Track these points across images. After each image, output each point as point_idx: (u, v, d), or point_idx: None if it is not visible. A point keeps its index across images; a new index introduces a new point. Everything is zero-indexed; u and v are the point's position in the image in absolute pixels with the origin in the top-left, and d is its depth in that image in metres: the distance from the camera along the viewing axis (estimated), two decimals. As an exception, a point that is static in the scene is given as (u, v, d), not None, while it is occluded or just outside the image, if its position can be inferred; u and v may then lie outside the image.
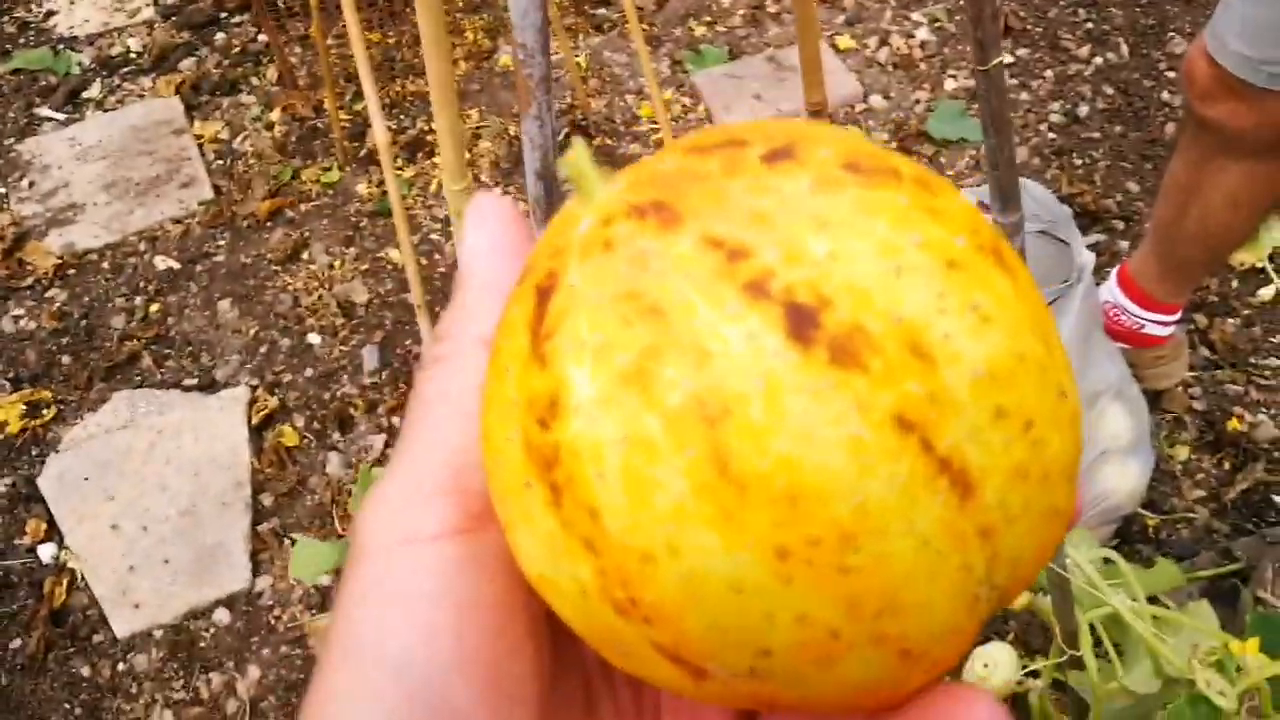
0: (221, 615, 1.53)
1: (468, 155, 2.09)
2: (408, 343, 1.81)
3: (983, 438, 0.21)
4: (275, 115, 2.18)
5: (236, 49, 2.31)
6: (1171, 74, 2.18)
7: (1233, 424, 1.67)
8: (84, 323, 1.87)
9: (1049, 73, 2.21)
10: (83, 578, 1.56)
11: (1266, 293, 1.82)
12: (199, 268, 1.95)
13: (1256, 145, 1.31)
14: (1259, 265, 1.85)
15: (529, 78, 0.45)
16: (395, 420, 1.72)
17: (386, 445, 1.69)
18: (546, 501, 0.22)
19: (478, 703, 0.24)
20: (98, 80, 2.26)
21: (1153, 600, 1.37)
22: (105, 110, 2.20)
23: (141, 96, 2.23)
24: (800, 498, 0.20)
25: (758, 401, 0.20)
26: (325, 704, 0.25)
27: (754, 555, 0.21)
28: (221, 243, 1.98)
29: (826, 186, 0.22)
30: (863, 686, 0.23)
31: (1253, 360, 1.76)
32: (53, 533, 1.61)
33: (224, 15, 2.39)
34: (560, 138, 2.08)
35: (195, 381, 1.79)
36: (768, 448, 0.20)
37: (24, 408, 1.75)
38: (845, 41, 2.27)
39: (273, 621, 1.53)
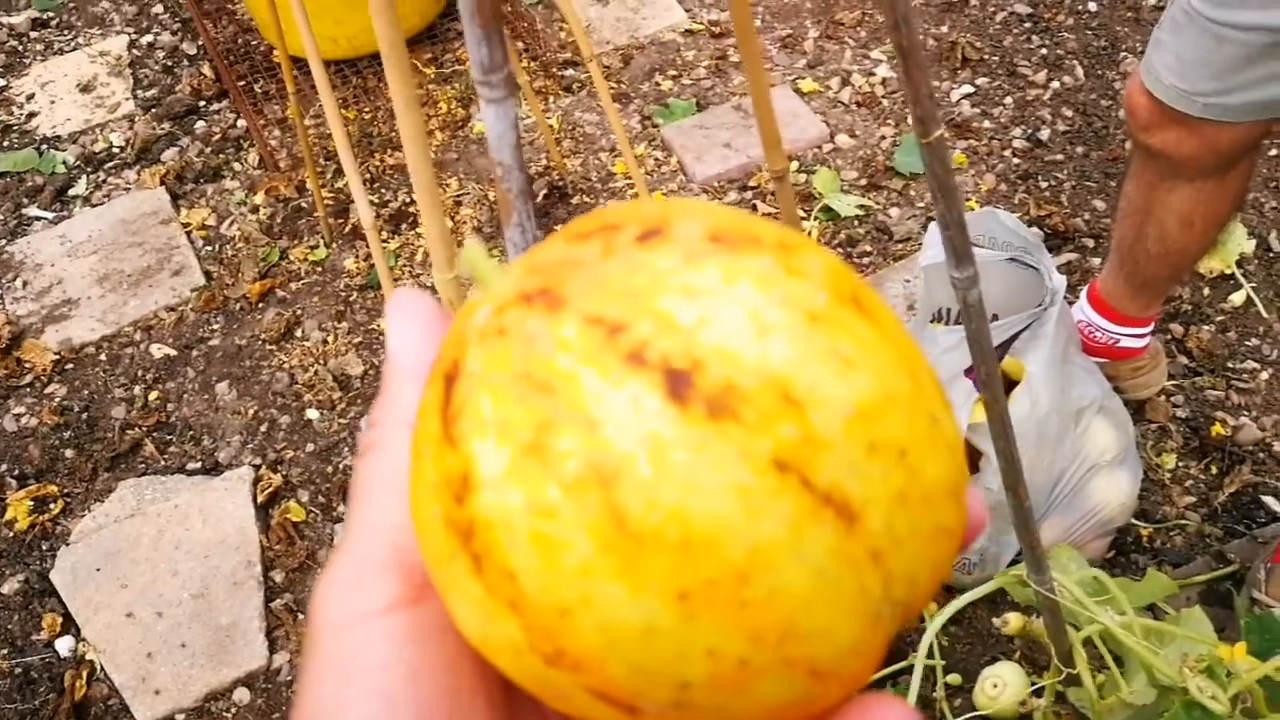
0: (242, 695, 1.56)
1: (450, 223, 2.14)
2: (405, 411, 1.84)
3: (860, 470, 0.23)
4: (259, 198, 2.22)
5: (217, 136, 2.36)
6: (1128, 92, 2.23)
7: (1216, 429, 1.71)
8: (85, 415, 1.90)
9: (1009, 99, 2.26)
10: (102, 668, 1.58)
11: (1237, 298, 1.87)
12: (195, 353, 1.98)
13: (1202, 169, 1.36)
14: (1228, 272, 1.90)
15: (508, 191, 0.49)
16: (398, 489, 1.74)
17: (392, 514, 1.71)
18: (470, 570, 0.24)
19: None
20: (83, 177, 2.30)
21: (1150, 609, 1.40)
22: (93, 205, 2.24)
23: (127, 189, 2.27)
24: (693, 543, 0.22)
25: (644, 459, 0.22)
26: None
27: (658, 600, 0.22)
28: (216, 326, 2.02)
29: (693, 259, 0.24)
30: (781, 707, 0.24)
31: (1230, 365, 1.80)
32: (69, 625, 1.64)
33: (203, 104, 2.44)
34: (540, 198, 2.13)
35: (199, 465, 1.82)
36: (658, 501, 0.22)
37: (31, 504, 1.78)
38: (808, 85, 2.33)
39: (293, 697, 1.55)
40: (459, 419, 0.24)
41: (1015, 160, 2.14)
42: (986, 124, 2.22)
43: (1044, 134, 2.18)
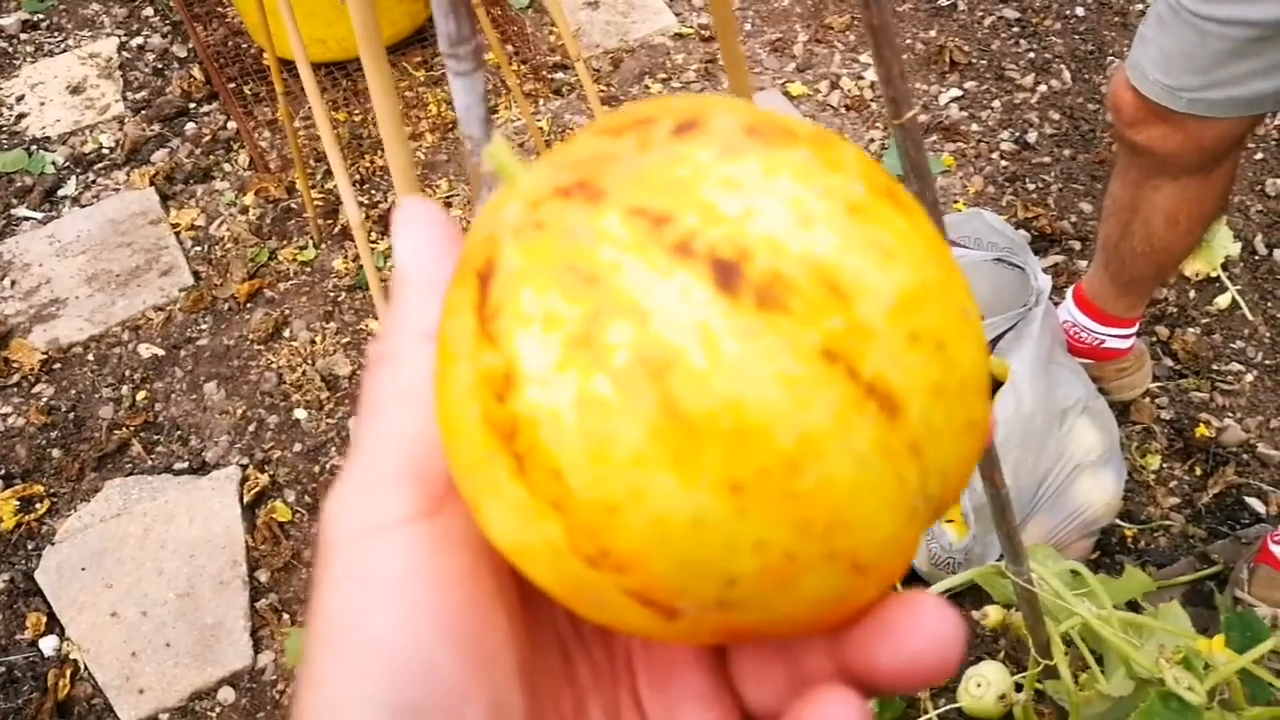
0: (226, 694, 1.55)
1: (439, 224, 2.13)
2: (392, 411, 1.84)
3: (901, 361, 0.23)
4: (249, 199, 2.22)
5: (207, 137, 2.36)
6: (1115, 96, 2.24)
7: (1200, 430, 1.72)
8: (72, 415, 1.90)
9: (996, 103, 2.27)
10: (86, 668, 1.58)
11: (1223, 300, 1.87)
12: (183, 353, 1.98)
13: (1187, 165, 1.37)
14: (1213, 274, 1.90)
15: (478, 165, 0.50)
16: (385, 488, 1.74)
17: (378, 513, 1.71)
18: (511, 471, 0.24)
19: (461, 668, 0.26)
20: (73, 178, 2.30)
21: (1132, 606, 1.40)
22: (82, 206, 2.24)
23: (117, 190, 2.27)
24: (745, 433, 0.22)
25: (697, 350, 0.22)
26: (317, 691, 0.25)
27: (710, 491, 0.22)
28: (204, 326, 2.02)
29: (733, 151, 0.24)
30: (823, 602, 0.24)
31: (1215, 367, 1.80)
32: (53, 625, 1.63)
33: (193, 105, 2.44)
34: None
35: (186, 465, 1.82)
36: (711, 391, 0.22)
37: (17, 503, 1.77)
38: (797, 88, 2.33)
39: (277, 696, 1.55)
40: (498, 316, 0.24)
41: (1003, 163, 2.15)
42: (974, 127, 2.23)
43: (1031, 137, 2.19)
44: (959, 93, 2.30)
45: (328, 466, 1.79)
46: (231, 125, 2.38)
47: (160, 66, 2.55)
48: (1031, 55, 2.36)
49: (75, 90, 2.50)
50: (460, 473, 0.26)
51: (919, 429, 0.23)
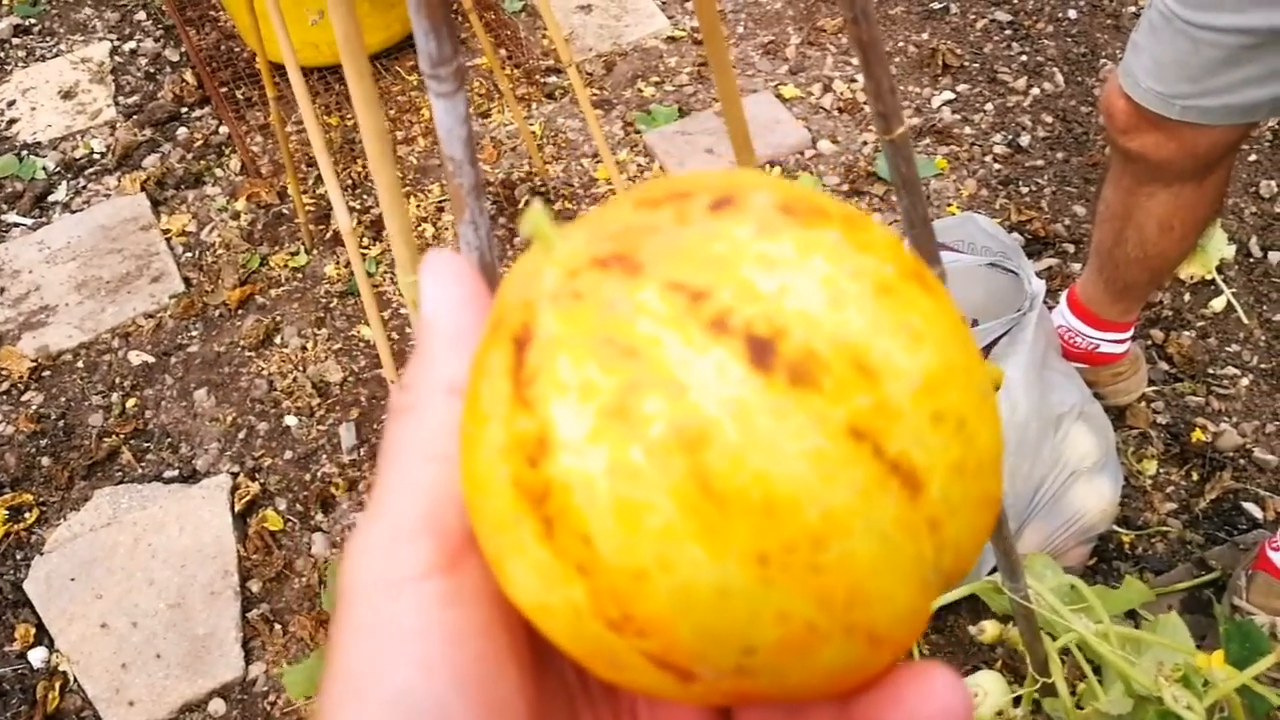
0: (217, 706, 1.54)
1: (433, 229, 2.13)
2: (384, 418, 1.83)
3: (924, 440, 0.24)
4: (240, 204, 2.21)
5: (199, 142, 2.35)
6: (1109, 98, 2.24)
7: (1197, 435, 1.71)
8: (61, 423, 1.89)
9: (989, 106, 2.26)
10: (75, 679, 1.57)
11: (1218, 303, 1.87)
12: (173, 360, 1.97)
13: (1181, 173, 1.36)
14: (1208, 278, 1.89)
15: (460, 186, 0.48)
16: (377, 497, 1.73)
17: (370, 522, 1.70)
18: (538, 534, 0.24)
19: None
20: (63, 183, 2.29)
21: (1130, 616, 1.39)
22: (73, 212, 2.23)
23: (108, 196, 2.26)
24: (775, 508, 0.23)
25: (731, 424, 0.23)
26: None
27: (738, 563, 0.23)
28: (195, 333, 2.01)
29: (768, 230, 0.25)
30: (837, 672, 0.25)
31: (1210, 371, 1.80)
32: (42, 636, 1.62)
33: (185, 110, 2.43)
34: (522, 204, 2.12)
35: (176, 473, 1.80)
36: (743, 465, 0.23)
37: (6, 512, 1.76)
38: (790, 91, 2.32)
39: (269, 708, 1.54)
40: (534, 382, 0.24)
41: (996, 166, 2.14)
42: (967, 130, 2.22)
43: (1024, 140, 2.18)
44: (951, 96, 2.29)
45: (319, 474, 1.78)
46: (223, 130, 2.37)
47: (152, 71, 2.54)
48: (1024, 58, 2.36)
49: (66, 95, 2.49)
50: (484, 531, 0.26)
51: (938, 506, 0.24)
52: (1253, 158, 2.12)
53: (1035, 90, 2.28)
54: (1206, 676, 0.93)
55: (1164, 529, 1.61)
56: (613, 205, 0.28)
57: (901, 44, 2.42)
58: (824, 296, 0.24)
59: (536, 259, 0.27)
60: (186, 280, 2.09)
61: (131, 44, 2.61)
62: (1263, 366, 1.80)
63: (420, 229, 2.13)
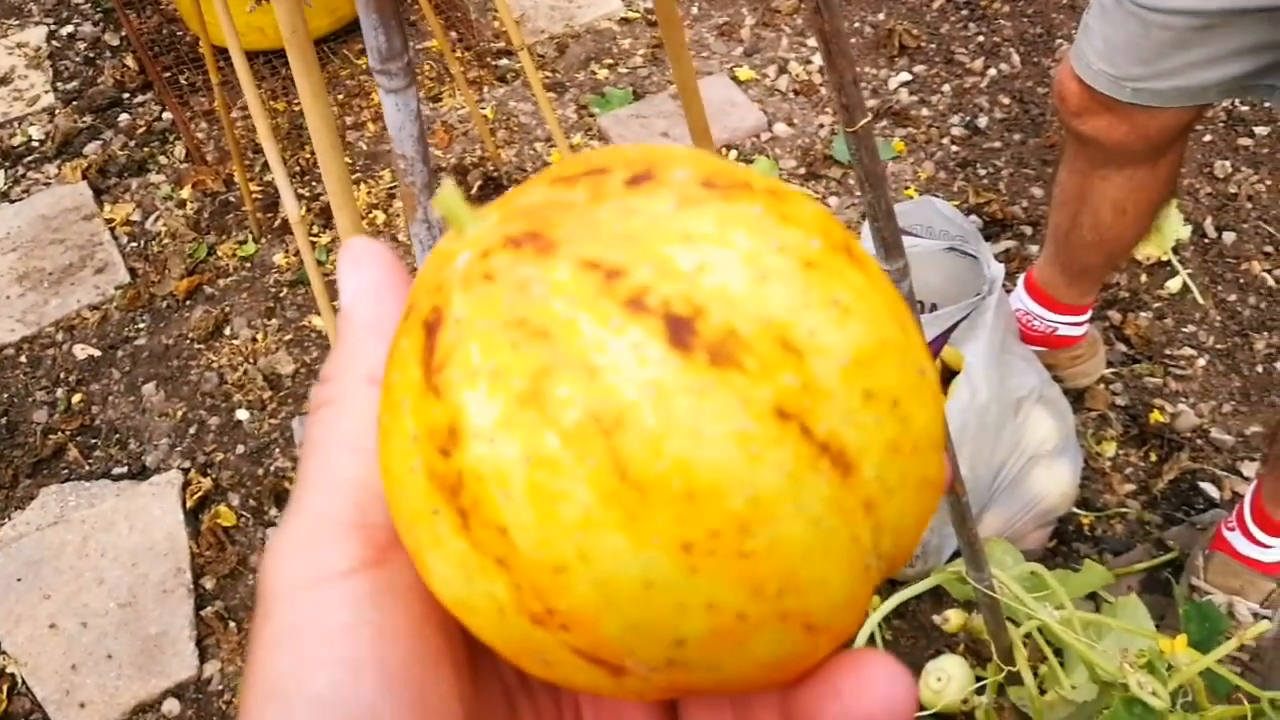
0: (171, 706, 1.51)
1: (384, 215, 2.09)
2: (338, 410, 1.80)
3: (856, 419, 0.23)
4: (186, 192, 2.16)
5: (141, 129, 2.30)
6: (1064, 79, 2.24)
7: (1155, 416, 1.72)
8: (4, 420, 1.84)
9: (946, 87, 2.26)
10: (24, 681, 1.53)
11: (1174, 284, 1.88)
12: (120, 353, 1.92)
13: (1134, 155, 1.36)
14: (1164, 259, 1.90)
15: (411, 185, 0.46)
16: (332, 490, 1.70)
17: (325, 516, 1.68)
18: (455, 526, 0.23)
19: None
20: (1, 172, 2.23)
21: (1091, 597, 1.40)
22: (12, 201, 2.17)
23: (48, 185, 2.20)
24: (697, 493, 0.21)
25: (648, 408, 0.22)
26: None
27: (661, 552, 0.22)
28: (141, 325, 1.96)
29: (688, 204, 0.24)
30: (773, 663, 0.24)
31: (1168, 351, 1.81)
32: (-10, 638, 1.58)
33: (126, 96, 2.37)
34: (475, 189, 2.09)
35: (125, 469, 1.76)
36: (662, 450, 0.21)
37: (-50, 512, 1.72)
38: (745, 73, 2.31)
39: (224, 707, 1.51)
40: (445, 368, 0.23)
41: (954, 148, 2.14)
42: (925, 112, 2.21)
43: (982, 121, 2.18)
44: (909, 77, 2.28)
45: (272, 468, 1.75)
46: (167, 116, 2.31)
47: (92, 56, 2.48)
48: (980, 39, 2.35)
49: (2, 81, 2.42)
50: (403, 524, 0.25)
51: (873, 487, 0.23)
52: (1207, 138, 2.13)
53: (992, 71, 2.28)
54: (1170, 661, 0.93)
55: (1123, 510, 1.62)
56: (529, 183, 0.26)
57: (858, 25, 2.40)
58: (746, 273, 0.23)
59: (450, 241, 0.26)
60: (132, 271, 2.04)
61: (69, 28, 2.55)
62: (1218, 346, 1.81)
63: (371, 216, 2.09)
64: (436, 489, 0.23)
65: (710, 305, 0.22)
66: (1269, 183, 2.04)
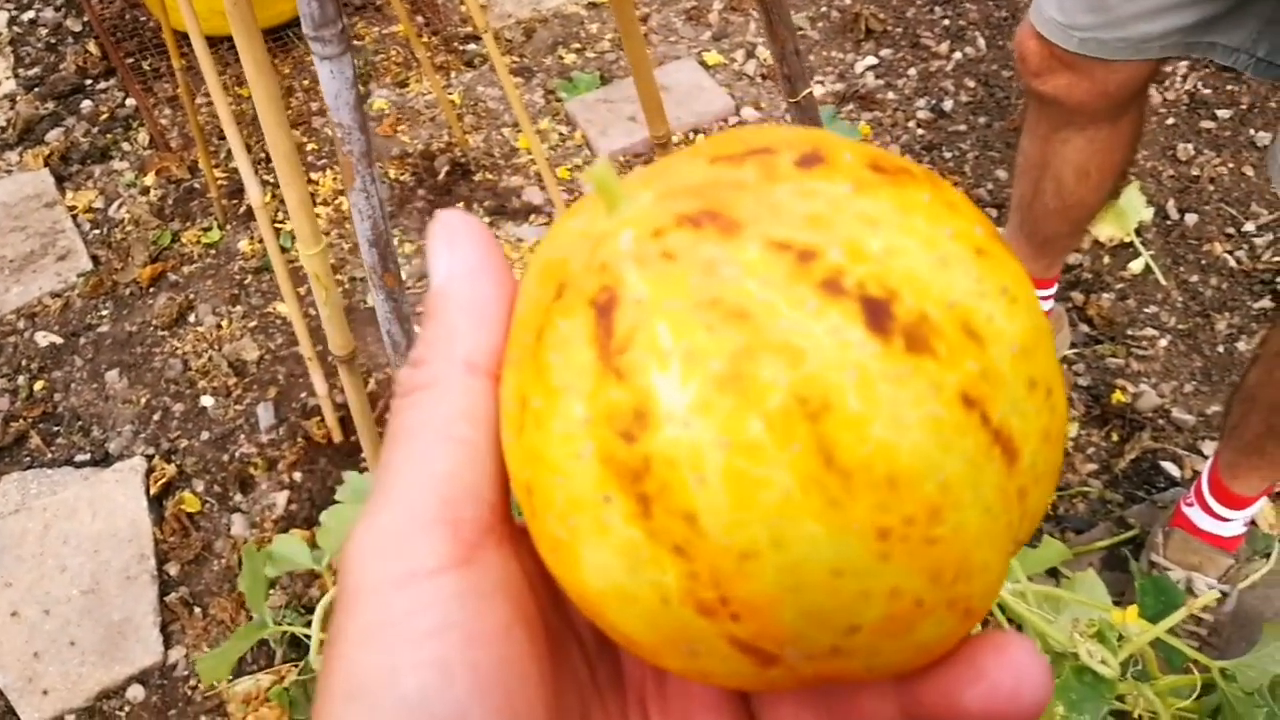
0: (136, 692, 1.50)
1: (347, 201, 2.08)
2: (302, 396, 1.80)
3: (1021, 407, 0.23)
4: (150, 179, 2.14)
5: (104, 115, 2.28)
6: (1028, 63, 2.25)
7: (1117, 396, 1.73)
8: (-33, 408, 1.82)
9: (912, 70, 2.26)
10: (-14, 670, 1.52)
11: (1136, 265, 1.89)
12: (83, 340, 1.91)
13: (1094, 114, 1.37)
14: (1127, 240, 1.92)
15: (349, 154, 0.45)
16: (296, 476, 1.70)
17: (289, 502, 1.67)
18: (630, 514, 0.23)
19: None
20: (-38, 159, 2.21)
21: (1053, 573, 1.41)
22: (-27, 189, 2.15)
23: (9, 172, 2.18)
24: (898, 480, 0.21)
25: (853, 392, 0.21)
26: None
27: (857, 539, 0.22)
28: (105, 313, 1.95)
29: (865, 188, 0.24)
30: (926, 648, 0.24)
31: (1130, 332, 1.82)
32: (-48, 627, 1.57)
33: (89, 82, 2.35)
34: (443, 175, 2.08)
35: (88, 457, 1.75)
36: (868, 435, 0.21)
37: (-89, 502, 1.70)
38: (713, 57, 2.31)
39: (189, 693, 1.50)
40: (628, 350, 0.23)
41: (920, 131, 2.15)
42: (891, 95, 2.22)
43: (947, 105, 2.19)
44: (875, 61, 2.29)
45: (237, 455, 1.74)
46: (130, 103, 2.29)
47: (54, 41, 2.45)
48: (946, 22, 2.36)
49: (-37, 67, 2.40)
50: (550, 512, 0.24)
51: (1028, 476, 0.24)
52: (1170, 121, 2.14)
53: (958, 55, 2.29)
54: (1121, 631, 0.94)
55: (1085, 489, 1.63)
56: (675, 160, 0.26)
57: (825, 9, 2.41)
58: (929, 258, 0.23)
59: (592, 217, 0.25)
60: (95, 258, 2.02)
61: (30, 13, 2.52)
62: (1180, 327, 1.82)
63: (337, 202, 2.08)
64: (613, 475, 0.23)
65: (902, 289, 0.22)
66: (1230, 165, 2.06)
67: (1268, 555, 1.47)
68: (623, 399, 0.22)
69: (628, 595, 0.24)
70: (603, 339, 0.23)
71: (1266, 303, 1.84)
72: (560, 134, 2.18)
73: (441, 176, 2.10)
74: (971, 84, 2.23)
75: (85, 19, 2.47)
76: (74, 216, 2.09)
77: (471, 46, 2.37)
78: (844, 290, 0.22)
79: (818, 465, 0.21)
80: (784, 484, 0.21)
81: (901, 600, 0.22)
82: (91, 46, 2.41)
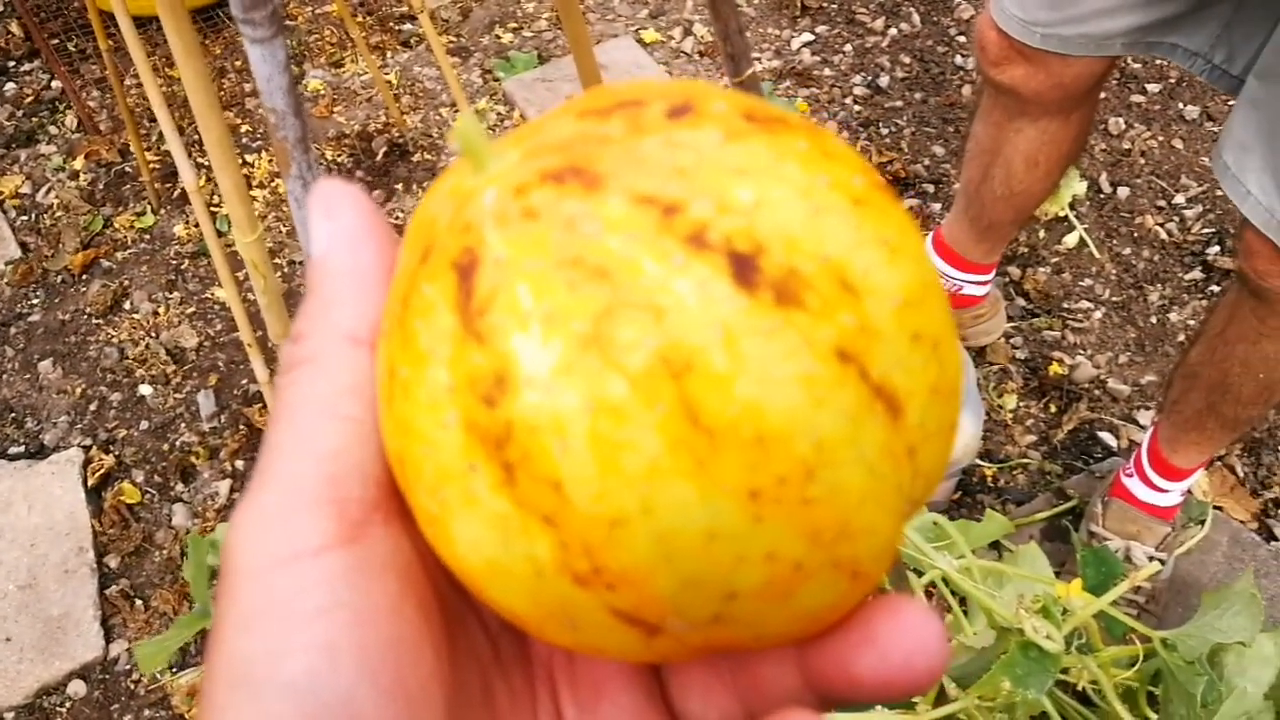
0: (77, 687, 1.48)
1: (283, 188, 2.05)
2: (244, 383, 1.77)
3: (905, 362, 0.22)
4: (79, 163, 2.10)
5: (30, 98, 2.22)
6: (962, 39, 2.27)
7: (1054, 368, 1.76)
8: (-106, 401, 1.78)
9: (848, 47, 2.27)
10: (-78, 669, 1.49)
11: (1071, 239, 1.92)
12: (13, 330, 1.87)
13: (1048, 106, 1.38)
14: (1062, 214, 1.94)
15: (284, 140, 0.44)
16: (239, 464, 1.68)
17: (232, 491, 1.65)
18: (496, 483, 0.22)
19: (386, 713, 0.24)
20: (-119, 144, 2.15)
21: (995, 546, 1.43)
22: (-107, 175, 2.09)
23: (-69, 157, 2.12)
24: (768, 438, 0.21)
25: (719, 350, 0.21)
26: None
27: (729, 500, 0.21)
28: (35, 301, 1.91)
29: (735, 138, 0.23)
30: (815, 614, 0.23)
31: (1065, 305, 1.85)
32: (-116, 626, 1.53)
33: (12, 64, 2.29)
34: (380, 156, 2.06)
35: (22, 449, 1.72)
36: (734, 394, 0.21)
37: None
38: (650, 35, 2.30)
39: (132, 686, 1.48)
40: (487, 312, 0.22)
41: (856, 108, 2.16)
42: (827, 72, 2.22)
43: (884, 81, 2.20)
44: (811, 37, 2.29)
45: (178, 444, 1.71)
46: (56, 85, 2.24)
47: (-26, 22, 2.39)
48: (882, -1, 2.37)
49: (-120, 50, 2.33)
50: (422, 485, 0.23)
51: (916, 432, 0.23)
52: (1102, 95, 2.17)
53: (893, 31, 2.30)
54: (1065, 605, 0.96)
55: (1025, 461, 1.66)
56: (548, 118, 0.25)
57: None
58: (802, 209, 0.22)
59: (461, 177, 0.24)
60: (23, 245, 1.98)
61: (-48, -6, 2.45)
62: (1114, 299, 1.85)
63: (274, 184, 2.05)
64: (477, 443, 0.22)
65: (771, 242, 0.21)
66: (1161, 139, 2.09)
67: (1202, 522, 1.51)
68: (483, 363, 0.22)
69: (502, 569, 0.23)
70: (463, 302, 0.22)
71: (1197, 274, 1.87)
72: (499, 114, 2.16)
73: (379, 157, 2.08)
74: (907, 60, 2.24)
75: (7, -1, 2.40)
76: (0, 203, 2.04)
77: (407, 26, 2.34)
78: (709, 244, 0.21)
79: (684, 426, 0.21)
80: (650, 447, 0.21)
81: (779, 564, 0.22)
82: (14, 27, 2.35)
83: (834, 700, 0.26)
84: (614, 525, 0.21)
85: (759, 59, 2.24)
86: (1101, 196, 2.00)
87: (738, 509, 0.21)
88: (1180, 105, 2.15)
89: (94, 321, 1.87)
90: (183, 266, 1.95)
